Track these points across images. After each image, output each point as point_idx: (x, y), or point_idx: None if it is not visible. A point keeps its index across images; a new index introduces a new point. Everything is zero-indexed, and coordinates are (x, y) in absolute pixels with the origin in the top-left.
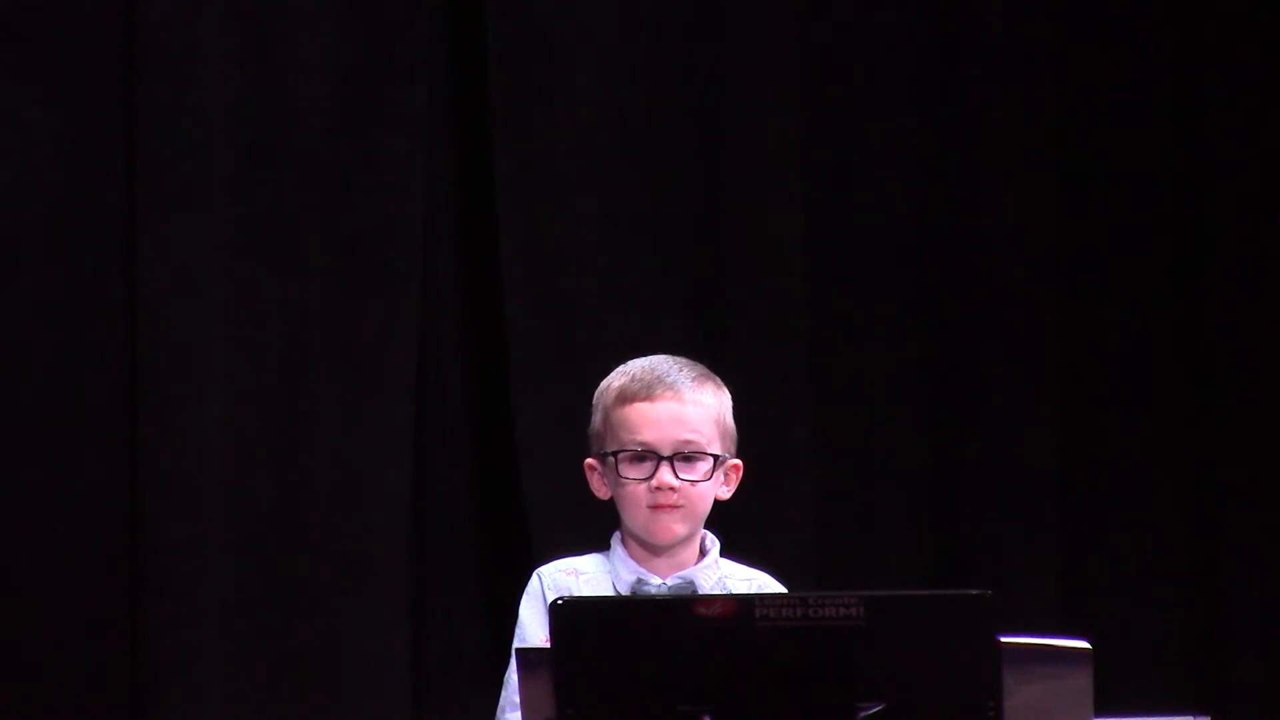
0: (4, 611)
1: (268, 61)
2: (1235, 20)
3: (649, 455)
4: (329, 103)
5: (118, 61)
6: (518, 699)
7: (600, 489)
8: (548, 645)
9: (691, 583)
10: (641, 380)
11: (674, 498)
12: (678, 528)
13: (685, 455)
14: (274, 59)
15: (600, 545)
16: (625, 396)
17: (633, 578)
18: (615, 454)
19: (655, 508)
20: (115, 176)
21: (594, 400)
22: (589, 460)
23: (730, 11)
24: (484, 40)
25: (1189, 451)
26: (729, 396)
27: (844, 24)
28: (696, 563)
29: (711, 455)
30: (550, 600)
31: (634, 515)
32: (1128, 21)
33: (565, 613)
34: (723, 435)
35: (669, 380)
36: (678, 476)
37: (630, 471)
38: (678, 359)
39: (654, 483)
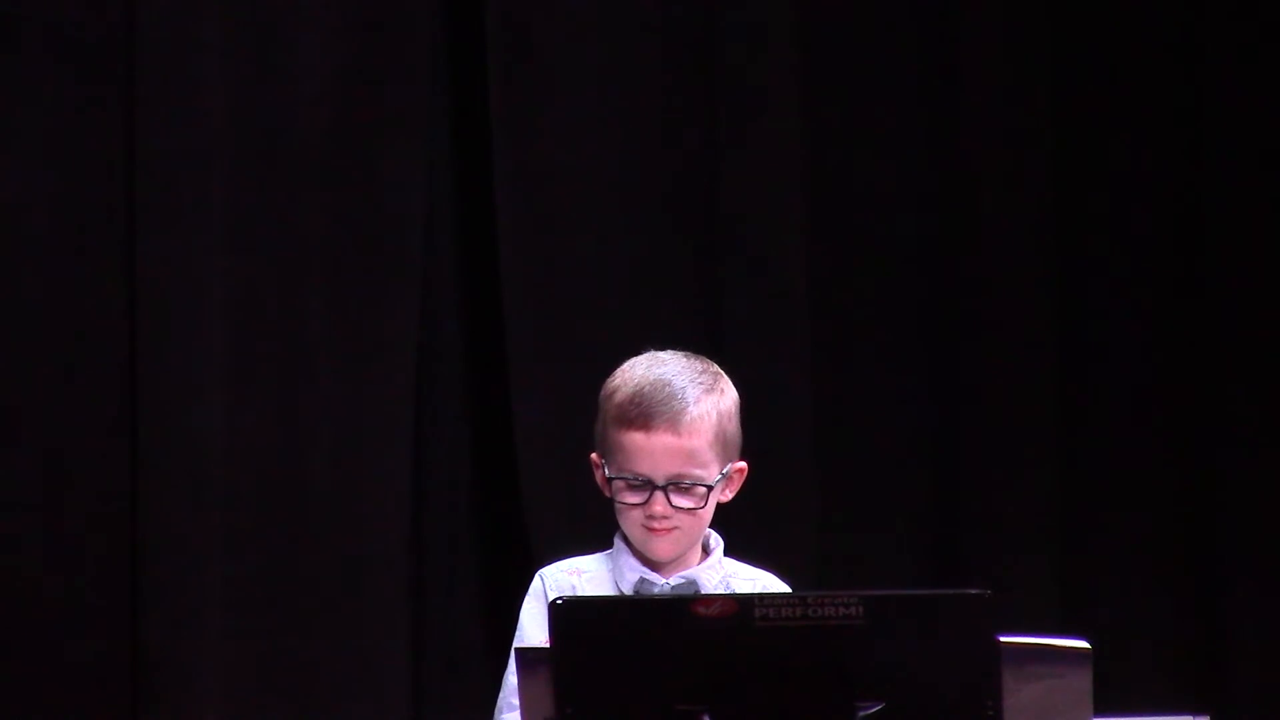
0: (4, 611)
1: (268, 61)
2: (1234, 21)
3: (644, 484)
4: (329, 103)
5: (118, 61)
6: (515, 699)
7: (604, 485)
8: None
9: (694, 582)
10: (639, 406)
11: (668, 524)
12: (673, 549)
13: (681, 486)
14: (274, 59)
15: (601, 545)
16: (624, 419)
17: (635, 577)
18: (612, 480)
19: (650, 530)
20: (115, 176)
21: (600, 395)
22: (594, 455)
23: (730, 12)
24: (484, 40)
25: (1189, 451)
26: (734, 398)
27: (844, 23)
28: (700, 562)
29: (706, 486)
30: (551, 600)
31: (631, 533)
32: (1127, 21)
33: (565, 612)
34: (724, 448)
35: (667, 409)
36: (672, 504)
37: (626, 497)
38: (684, 365)
39: (647, 510)
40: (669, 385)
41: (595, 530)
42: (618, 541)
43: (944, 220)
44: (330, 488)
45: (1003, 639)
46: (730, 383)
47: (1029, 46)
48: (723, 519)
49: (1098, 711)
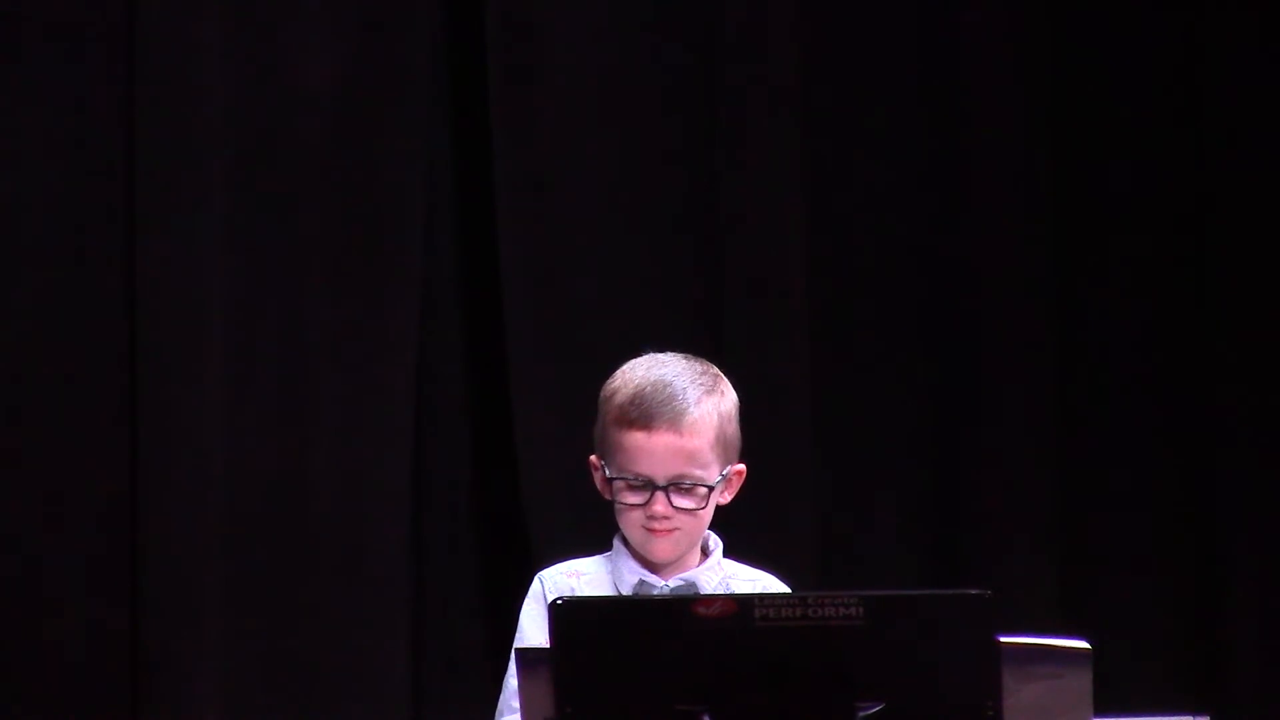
0: (4, 611)
1: (268, 61)
2: (1234, 21)
3: (645, 485)
4: (329, 102)
5: (118, 61)
6: (516, 702)
7: (604, 487)
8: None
9: (694, 584)
10: (640, 407)
11: (668, 524)
12: (673, 549)
13: (681, 487)
14: (274, 59)
15: (601, 546)
16: (625, 419)
17: (635, 579)
18: (612, 480)
19: (651, 530)
20: (115, 176)
21: (600, 397)
22: (593, 458)
23: (731, 13)
24: (484, 40)
25: (1189, 451)
26: (734, 400)
27: (844, 23)
28: (699, 564)
29: (707, 487)
30: (551, 600)
31: (631, 534)
32: (1127, 21)
33: (565, 613)
34: (725, 450)
35: (668, 409)
36: (673, 505)
37: (627, 497)
38: (684, 366)
39: (648, 511)
40: (670, 386)
41: (595, 531)
42: (617, 543)
43: (943, 220)
44: (330, 488)
45: (1003, 639)
46: (730, 385)
47: (1029, 47)
48: (723, 520)
49: (1098, 711)
